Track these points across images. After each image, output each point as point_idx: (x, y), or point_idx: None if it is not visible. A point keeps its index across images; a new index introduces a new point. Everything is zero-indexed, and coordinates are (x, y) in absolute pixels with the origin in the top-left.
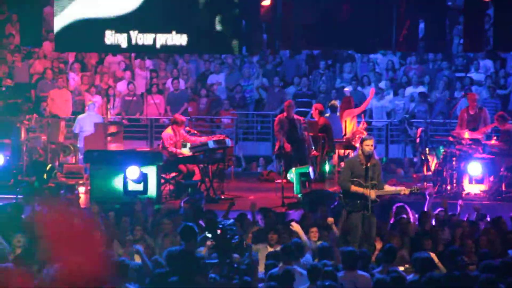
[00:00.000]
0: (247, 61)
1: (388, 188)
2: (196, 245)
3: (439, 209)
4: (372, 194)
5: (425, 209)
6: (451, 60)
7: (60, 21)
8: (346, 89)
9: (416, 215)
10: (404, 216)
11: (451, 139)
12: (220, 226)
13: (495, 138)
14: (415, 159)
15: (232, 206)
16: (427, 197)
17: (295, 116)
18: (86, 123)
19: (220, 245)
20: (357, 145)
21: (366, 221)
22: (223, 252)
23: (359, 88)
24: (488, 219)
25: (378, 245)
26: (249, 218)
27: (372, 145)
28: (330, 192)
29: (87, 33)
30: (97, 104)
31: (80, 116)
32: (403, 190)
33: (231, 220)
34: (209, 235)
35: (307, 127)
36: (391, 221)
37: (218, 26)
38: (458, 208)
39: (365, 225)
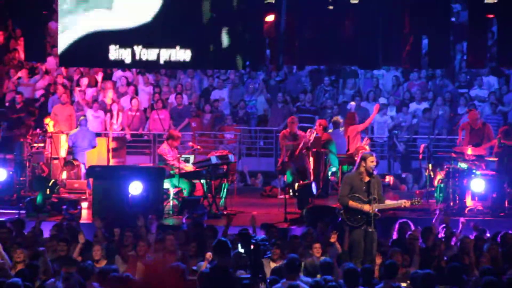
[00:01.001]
0: (250, 76)
1: (388, 202)
2: (229, 260)
3: (441, 226)
4: (371, 208)
5: (433, 223)
6: (454, 77)
7: (64, 37)
8: (352, 103)
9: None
10: (411, 232)
11: (454, 155)
12: (253, 241)
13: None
14: (403, 175)
15: (231, 222)
16: (437, 212)
17: (299, 132)
18: (78, 138)
19: (253, 260)
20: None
21: (368, 237)
22: (255, 267)
23: (362, 104)
24: (488, 234)
25: (378, 261)
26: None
27: (375, 161)
28: (333, 208)
29: (91, 48)
30: (100, 119)
31: (72, 132)
32: (404, 202)
33: (263, 236)
34: (242, 250)
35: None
36: (394, 237)
37: (222, 42)
38: (460, 226)
39: (367, 240)
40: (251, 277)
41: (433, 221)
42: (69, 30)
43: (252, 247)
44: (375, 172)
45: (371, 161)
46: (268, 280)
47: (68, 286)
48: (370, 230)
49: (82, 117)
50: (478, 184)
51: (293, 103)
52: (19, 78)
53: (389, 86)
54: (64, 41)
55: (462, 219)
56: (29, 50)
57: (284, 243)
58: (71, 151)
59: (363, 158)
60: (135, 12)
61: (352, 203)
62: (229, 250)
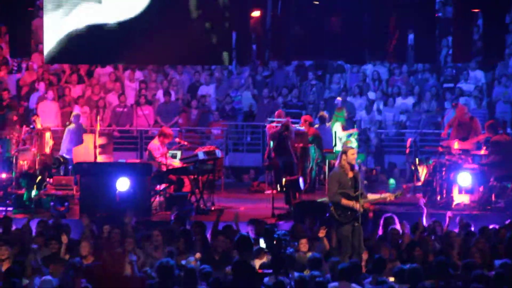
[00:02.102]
0: (237, 72)
1: (372, 196)
2: (251, 255)
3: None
4: (360, 205)
5: (423, 220)
6: (441, 71)
7: (50, 33)
8: (338, 98)
9: (408, 226)
10: (395, 227)
11: (440, 149)
12: (275, 236)
13: (484, 148)
14: (377, 169)
15: (221, 215)
16: (423, 207)
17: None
18: (75, 134)
19: (275, 255)
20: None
21: (356, 232)
22: (277, 262)
23: (349, 99)
24: (472, 228)
25: (365, 256)
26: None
27: (356, 154)
28: (320, 203)
29: (77, 44)
30: (86, 115)
31: (69, 128)
32: (389, 196)
33: (284, 231)
34: (263, 246)
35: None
36: (380, 232)
37: (208, 38)
38: (447, 220)
39: (355, 235)
40: (273, 272)
41: (423, 218)
42: (55, 26)
43: (274, 242)
44: (356, 167)
45: (352, 154)
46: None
47: (63, 282)
48: (356, 225)
49: (75, 113)
50: (464, 178)
51: (279, 98)
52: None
53: (375, 80)
54: (49, 37)
55: (449, 213)
56: (14, 47)
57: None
58: (55, 148)
59: (344, 152)
60: (122, 7)
61: (344, 201)
62: (251, 246)
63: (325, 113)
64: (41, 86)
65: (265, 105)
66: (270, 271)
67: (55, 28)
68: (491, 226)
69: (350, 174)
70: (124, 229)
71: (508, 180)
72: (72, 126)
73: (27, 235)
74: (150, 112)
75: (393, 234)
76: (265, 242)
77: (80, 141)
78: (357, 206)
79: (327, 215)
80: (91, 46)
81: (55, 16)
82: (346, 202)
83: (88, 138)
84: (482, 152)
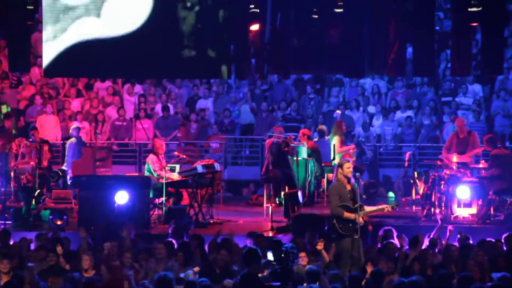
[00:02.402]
0: (235, 85)
1: (369, 208)
2: (259, 268)
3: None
4: (360, 217)
5: (434, 234)
6: (439, 85)
7: (49, 47)
8: (337, 111)
9: (407, 239)
10: (392, 240)
11: (439, 162)
12: (284, 249)
13: (483, 161)
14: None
15: (221, 233)
16: (439, 222)
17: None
18: (75, 148)
19: (284, 268)
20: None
21: (356, 245)
22: (285, 275)
23: (347, 112)
24: (471, 241)
25: (369, 269)
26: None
27: (351, 167)
28: (320, 216)
29: (76, 58)
30: (85, 129)
31: (70, 142)
32: (386, 207)
33: (291, 244)
34: (271, 258)
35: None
36: (379, 245)
37: (207, 51)
38: (447, 233)
39: (354, 248)
40: (281, 284)
41: (434, 231)
42: (54, 40)
43: (282, 254)
44: (352, 180)
45: (347, 167)
46: None
47: None
48: (356, 237)
49: (74, 126)
50: (463, 192)
51: (278, 112)
52: (2, 89)
53: (373, 94)
54: (48, 51)
55: (450, 227)
56: (13, 60)
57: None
58: (53, 161)
59: (340, 165)
60: (121, 21)
61: (347, 214)
62: (259, 258)
63: (324, 127)
64: (40, 100)
65: (264, 118)
66: (278, 283)
67: (53, 41)
68: (489, 239)
69: (348, 187)
70: (122, 242)
71: (507, 193)
72: (73, 140)
73: (25, 248)
74: (150, 125)
75: (389, 248)
76: (273, 254)
77: (80, 154)
78: (359, 218)
79: (326, 228)
80: (90, 60)
81: (54, 29)
82: (348, 214)
83: (87, 152)
84: (481, 165)
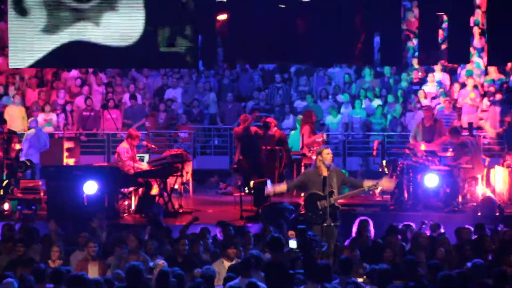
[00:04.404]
0: (203, 75)
1: (347, 193)
2: (283, 256)
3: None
4: (324, 203)
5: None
6: (407, 73)
7: (15, 36)
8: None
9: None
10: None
11: (407, 151)
12: (307, 237)
13: (451, 149)
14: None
15: (196, 221)
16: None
17: (252, 129)
18: (34, 139)
19: (307, 255)
20: (313, 157)
21: (327, 233)
22: (309, 262)
23: (315, 102)
24: (442, 230)
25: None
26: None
27: (331, 153)
28: (288, 206)
29: (42, 48)
30: (52, 120)
31: (27, 133)
32: (362, 189)
33: (313, 232)
34: (294, 246)
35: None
36: (354, 234)
37: (174, 41)
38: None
39: (325, 236)
40: (304, 272)
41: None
42: (20, 29)
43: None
44: (332, 165)
45: (327, 153)
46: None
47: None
48: (325, 225)
49: (31, 118)
50: (431, 180)
51: (246, 102)
52: None
53: (341, 83)
54: (14, 41)
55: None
56: None
57: (239, 241)
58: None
59: (319, 153)
60: None
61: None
62: (282, 246)
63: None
64: (9, 91)
65: (231, 108)
66: (302, 271)
67: (19, 30)
68: (457, 227)
69: (325, 174)
70: (92, 232)
71: (475, 180)
72: (32, 131)
73: None
74: (118, 115)
75: (364, 237)
76: (298, 242)
77: (42, 145)
78: (323, 204)
79: (292, 216)
80: (57, 50)
81: (20, 18)
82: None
83: (55, 142)
84: (449, 153)
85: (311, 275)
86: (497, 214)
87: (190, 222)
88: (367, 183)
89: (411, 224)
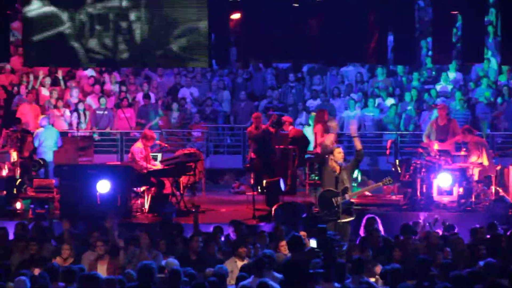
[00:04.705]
0: (217, 74)
1: (363, 189)
2: (303, 255)
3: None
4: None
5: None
6: (420, 72)
7: (28, 36)
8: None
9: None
10: (377, 227)
11: (420, 150)
12: (328, 236)
13: (464, 149)
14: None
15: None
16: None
17: (264, 127)
18: (44, 137)
19: (327, 255)
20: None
21: (340, 230)
22: (329, 261)
23: (330, 101)
24: (456, 230)
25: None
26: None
27: (342, 152)
28: (301, 205)
29: (56, 47)
30: (65, 116)
31: (37, 131)
32: (377, 185)
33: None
34: (314, 246)
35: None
36: (361, 233)
37: (187, 40)
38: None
39: (340, 234)
40: (325, 271)
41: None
42: (34, 28)
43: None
44: (343, 164)
45: (338, 152)
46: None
47: (37, 286)
48: (339, 222)
49: (42, 116)
50: (444, 179)
51: (259, 100)
52: None
53: (354, 82)
54: (28, 40)
55: (436, 216)
56: None
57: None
58: (34, 151)
59: (331, 152)
60: None
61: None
62: (303, 246)
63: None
64: (21, 89)
65: (245, 107)
66: (322, 270)
67: (33, 30)
68: (471, 227)
69: (338, 172)
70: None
71: (488, 180)
72: (40, 130)
73: (5, 237)
74: (132, 114)
75: (374, 236)
76: (318, 242)
77: (54, 143)
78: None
79: (304, 215)
80: (71, 49)
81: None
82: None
83: (69, 141)
84: (462, 153)
85: (331, 274)
86: (510, 213)
87: (196, 216)
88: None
89: (419, 221)
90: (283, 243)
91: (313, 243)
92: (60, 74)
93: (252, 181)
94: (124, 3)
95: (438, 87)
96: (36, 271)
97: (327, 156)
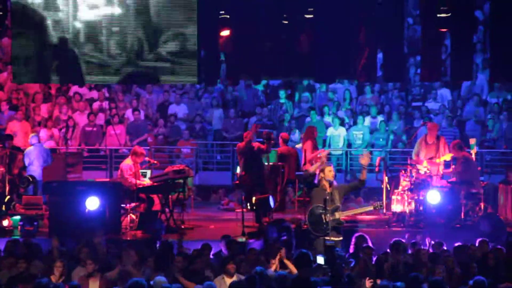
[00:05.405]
0: (206, 91)
1: (352, 210)
2: (310, 272)
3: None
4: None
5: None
6: (409, 90)
7: (17, 52)
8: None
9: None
10: (368, 245)
11: (409, 168)
12: (335, 252)
13: (453, 166)
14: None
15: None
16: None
17: (254, 144)
18: (34, 155)
19: (334, 271)
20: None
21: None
22: (336, 278)
23: (318, 118)
24: (445, 247)
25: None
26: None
27: (333, 171)
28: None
29: (45, 64)
30: (54, 136)
31: (27, 150)
32: (368, 208)
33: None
34: (322, 262)
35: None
36: (351, 250)
37: (176, 56)
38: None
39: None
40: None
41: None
42: (23, 46)
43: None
44: (334, 182)
45: (329, 171)
46: None
47: None
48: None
49: (32, 134)
50: (434, 196)
51: (249, 117)
52: None
53: (343, 100)
54: (17, 57)
55: (428, 239)
56: None
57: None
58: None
59: (322, 170)
60: None
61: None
62: (310, 262)
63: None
64: (10, 106)
65: (234, 124)
66: (329, 287)
67: (22, 46)
68: (457, 244)
69: (329, 190)
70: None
71: (476, 197)
72: (31, 148)
73: None
74: (122, 131)
75: (366, 253)
76: (326, 258)
77: (44, 161)
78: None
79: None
80: (60, 66)
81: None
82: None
83: (57, 158)
84: (451, 170)
85: None
86: (500, 230)
87: (180, 243)
88: (355, 210)
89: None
90: (274, 261)
91: (320, 259)
92: (50, 91)
93: (243, 198)
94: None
95: (427, 104)
96: None
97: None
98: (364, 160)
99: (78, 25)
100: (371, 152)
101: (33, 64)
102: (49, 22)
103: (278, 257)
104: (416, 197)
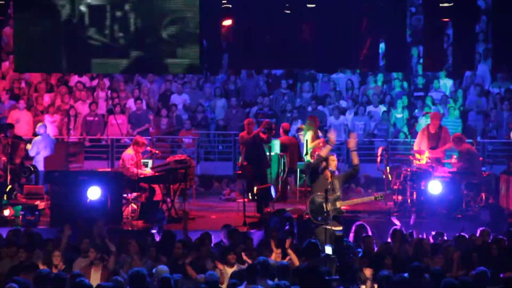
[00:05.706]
0: (208, 81)
1: (353, 199)
2: (319, 261)
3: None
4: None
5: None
6: (411, 79)
7: (20, 42)
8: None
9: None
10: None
11: (411, 157)
12: (344, 243)
13: (455, 156)
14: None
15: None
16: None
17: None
18: (42, 146)
19: (342, 261)
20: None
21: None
22: (344, 268)
23: (320, 108)
24: (445, 237)
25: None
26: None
27: (335, 160)
28: (288, 215)
29: (47, 53)
30: (56, 124)
31: (35, 140)
32: (368, 198)
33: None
34: (330, 252)
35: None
36: (350, 239)
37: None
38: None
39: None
40: (340, 278)
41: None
42: (25, 35)
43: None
44: (336, 172)
45: (332, 160)
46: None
47: None
48: (328, 229)
49: (40, 124)
50: (435, 186)
51: (251, 107)
52: None
53: (345, 89)
54: (19, 46)
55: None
56: None
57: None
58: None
59: (325, 160)
60: None
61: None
62: (319, 252)
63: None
64: (10, 95)
65: (236, 114)
66: (337, 277)
67: (24, 36)
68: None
69: (330, 180)
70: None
71: (478, 188)
72: (38, 138)
73: None
74: (124, 121)
75: (366, 242)
76: (335, 248)
77: (50, 151)
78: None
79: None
80: (62, 55)
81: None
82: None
83: (59, 147)
84: (453, 160)
85: (347, 281)
86: (502, 220)
87: (185, 224)
88: (355, 199)
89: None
90: (278, 250)
91: (328, 249)
92: (52, 80)
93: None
94: None
95: (430, 94)
96: (25, 278)
97: (321, 166)
98: (351, 143)
99: (83, 9)
100: (372, 142)
101: (37, 52)
102: (53, 6)
103: (285, 246)
104: (417, 187)
